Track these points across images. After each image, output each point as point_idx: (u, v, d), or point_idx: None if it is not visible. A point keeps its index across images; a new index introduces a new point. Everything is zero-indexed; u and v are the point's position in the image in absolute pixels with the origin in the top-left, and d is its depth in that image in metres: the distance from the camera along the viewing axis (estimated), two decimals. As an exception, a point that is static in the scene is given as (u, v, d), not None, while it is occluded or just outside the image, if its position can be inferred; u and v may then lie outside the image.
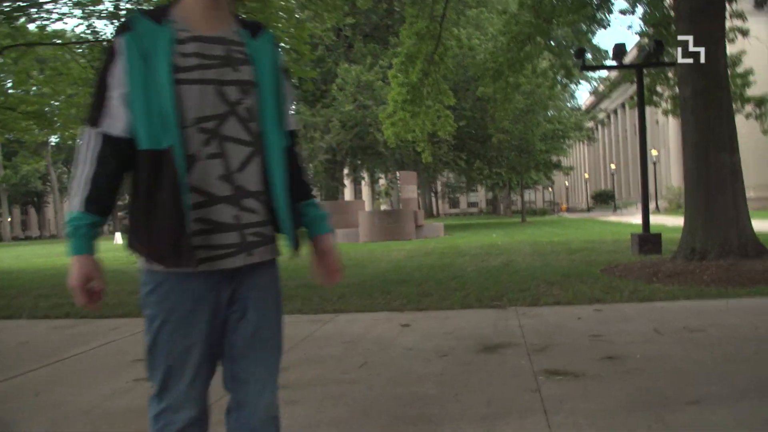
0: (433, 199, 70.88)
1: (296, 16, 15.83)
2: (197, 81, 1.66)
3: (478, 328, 5.27)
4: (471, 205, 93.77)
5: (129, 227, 1.76)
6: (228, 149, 1.70)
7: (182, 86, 1.64)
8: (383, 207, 37.05)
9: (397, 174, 27.84)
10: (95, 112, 1.68)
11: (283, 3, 15.92)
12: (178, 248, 1.63)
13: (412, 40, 13.84)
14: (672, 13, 11.75)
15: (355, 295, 7.44)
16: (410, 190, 24.70)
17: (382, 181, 50.92)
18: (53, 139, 48.83)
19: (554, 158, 39.64)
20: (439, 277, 8.77)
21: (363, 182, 53.24)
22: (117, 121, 1.67)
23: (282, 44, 15.62)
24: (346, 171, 44.30)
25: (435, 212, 68.73)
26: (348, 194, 62.07)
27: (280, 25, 14.13)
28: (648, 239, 10.80)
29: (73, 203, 1.67)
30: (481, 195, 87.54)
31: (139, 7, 13.25)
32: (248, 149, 1.74)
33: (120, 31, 1.70)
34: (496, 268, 9.54)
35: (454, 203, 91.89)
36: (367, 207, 52.75)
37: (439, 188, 75.84)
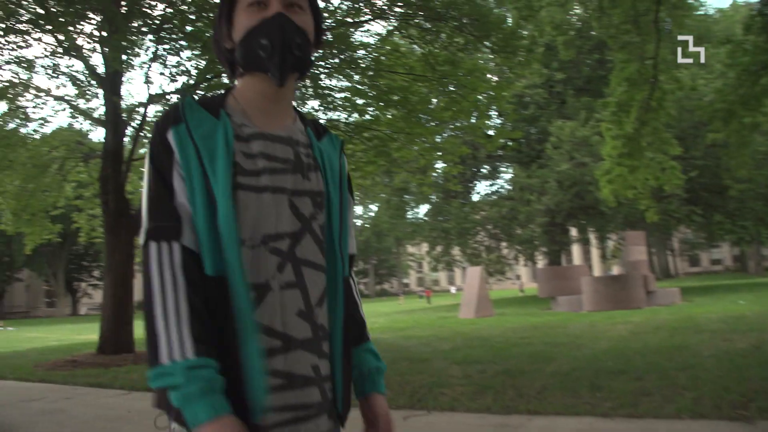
0: (670, 258, 65.39)
1: (496, 77, 15.20)
2: (267, 189, 1.31)
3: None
4: (714, 262, 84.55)
5: None
6: (307, 277, 1.33)
7: (248, 194, 1.28)
8: (614, 270, 34.49)
9: (623, 234, 25.62)
10: (165, 222, 1.26)
11: (483, 65, 15.39)
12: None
13: (623, 87, 12.39)
14: None
15: (557, 389, 6.33)
16: (638, 252, 22.55)
17: (611, 242, 47.93)
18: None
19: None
20: (666, 366, 7.14)
21: (590, 244, 50.30)
22: (193, 235, 1.26)
23: (484, 106, 15.02)
24: (572, 233, 42.32)
25: (672, 272, 63.31)
26: (576, 257, 59.43)
27: (480, 85, 13.47)
28: None
29: (172, 349, 1.16)
30: (725, 251, 78.57)
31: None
32: (325, 277, 1.38)
33: (170, 121, 1.31)
34: (743, 353, 7.61)
35: (695, 261, 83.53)
36: (596, 270, 49.95)
37: (676, 246, 69.75)
